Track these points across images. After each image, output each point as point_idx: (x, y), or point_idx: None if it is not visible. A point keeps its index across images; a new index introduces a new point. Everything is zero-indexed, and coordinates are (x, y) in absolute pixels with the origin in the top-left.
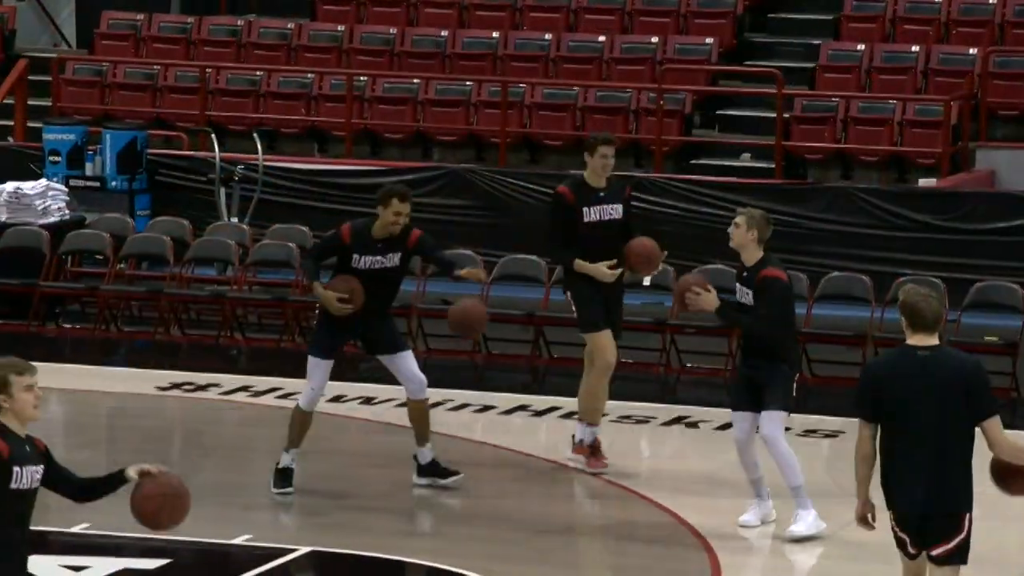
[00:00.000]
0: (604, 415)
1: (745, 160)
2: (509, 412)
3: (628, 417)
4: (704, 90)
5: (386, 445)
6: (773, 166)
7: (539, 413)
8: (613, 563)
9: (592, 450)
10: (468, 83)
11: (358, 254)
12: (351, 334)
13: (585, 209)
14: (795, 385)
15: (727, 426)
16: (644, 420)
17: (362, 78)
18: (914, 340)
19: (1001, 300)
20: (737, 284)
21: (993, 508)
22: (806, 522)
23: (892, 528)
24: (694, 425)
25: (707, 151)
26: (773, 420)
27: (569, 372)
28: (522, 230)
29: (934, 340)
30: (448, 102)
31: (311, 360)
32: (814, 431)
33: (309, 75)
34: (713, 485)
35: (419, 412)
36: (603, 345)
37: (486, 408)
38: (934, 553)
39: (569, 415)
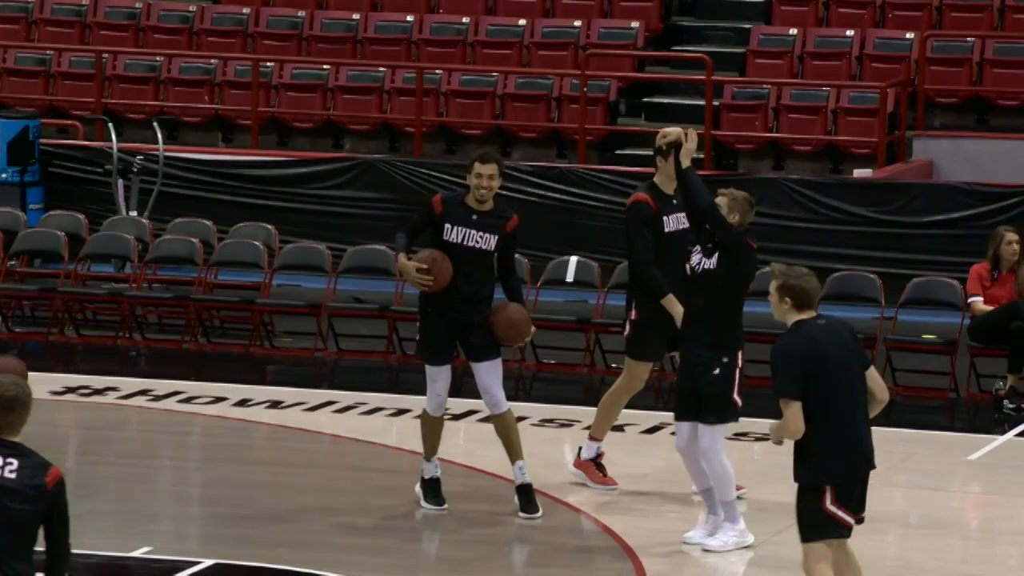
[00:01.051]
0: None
1: None
2: None
3: (551, 421)
4: (630, 76)
5: (294, 451)
6: (702, 156)
7: (457, 417)
8: (536, 574)
9: (597, 466)
10: (381, 69)
11: (450, 224)
12: (451, 330)
13: (665, 219)
14: (740, 378)
15: (654, 429)
16: (568, 424)
17: (269, 64)
18: (802, 316)
19: (940, 297)
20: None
21: (930, 519)
22: (723, 538)
23: (828, 509)
24: (619, 428)
25: (633, 140)
26: (711, 433)
27: None
28: None
29: (814, 312)
30: (360, 89)
31: (426, 368)
32: (744, 434)
33: (212, 60)
34: (639, 491)
35: (499, 426)
36: (639, 376)
37: (401, 412)
38: (863, 516)
39: (488, 419)
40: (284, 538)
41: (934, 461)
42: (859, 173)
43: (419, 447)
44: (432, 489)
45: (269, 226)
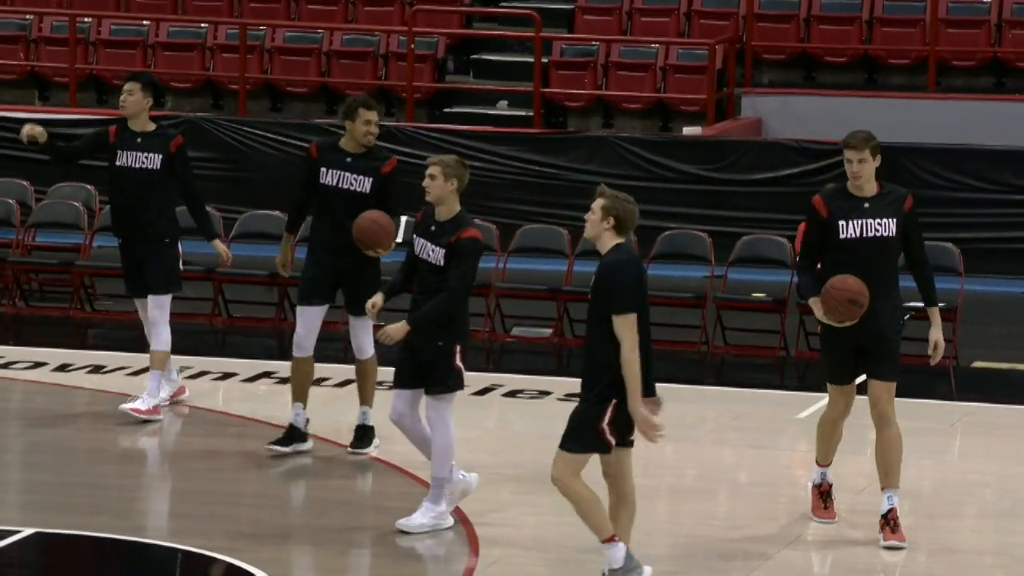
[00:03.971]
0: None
1: (502, 108)
2: (252, 379)
3: (381, 383)
4: (458, 33)
5: (116, 417)
6: (531, 114)
7: (284, 380)
8: (367, 541)
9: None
10: (203, 25)
11: (325, 167)
12: (332, 278)
13: (842, 223)
14: (462, 360)
15: (487, 391)
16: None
17: (87, 19)
18: (619, 240)
19: (769, 255)
20: (416, 236)
21: (760, 477)
22: (421, 518)
23: (601, 427)
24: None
25: (462, 98)
26: (441, 404)
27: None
28: (264, 184)
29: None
30: (182, 45)
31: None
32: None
33: (28, 16)
34: (469, 456)
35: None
36: (832, 399)
37: (227, 375)
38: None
39: (315, 382)
40: (104, 505)
41: (764, 420)
42: (688, 131)
43: (249, 409)
44: (289, 431)
45: (89, 186)
